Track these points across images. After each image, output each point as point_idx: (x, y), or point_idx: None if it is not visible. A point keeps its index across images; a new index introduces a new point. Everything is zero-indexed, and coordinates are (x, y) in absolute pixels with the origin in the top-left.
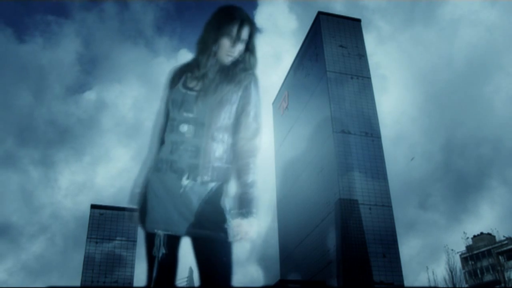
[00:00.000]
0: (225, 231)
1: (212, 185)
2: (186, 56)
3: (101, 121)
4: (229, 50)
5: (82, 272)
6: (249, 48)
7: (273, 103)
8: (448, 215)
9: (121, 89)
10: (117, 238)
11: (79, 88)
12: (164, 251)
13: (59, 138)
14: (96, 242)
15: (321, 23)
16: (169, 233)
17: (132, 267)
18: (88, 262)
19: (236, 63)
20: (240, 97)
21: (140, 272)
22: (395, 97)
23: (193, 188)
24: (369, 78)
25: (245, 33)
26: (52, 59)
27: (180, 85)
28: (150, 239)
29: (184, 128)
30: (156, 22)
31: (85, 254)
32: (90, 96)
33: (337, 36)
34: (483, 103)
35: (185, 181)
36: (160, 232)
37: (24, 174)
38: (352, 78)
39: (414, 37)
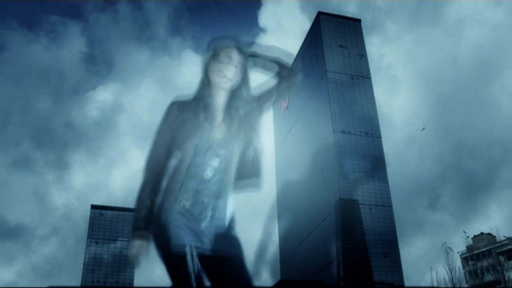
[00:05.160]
0: (240, 248)
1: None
2: (189, 55)
3: (117, 124)
4: (218, 71)
5: (83, 272)
6: (243, 78)
7: (273, 103)
8: (458, 216)
9: (138, 91)
10: (118, 238)
11: (95, 90)
12: (199, 266)
13: (75, 140)
14: (97, 243)
15: (321, 23)
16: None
17: (133, 267)
18: (89, 262)
19: (234, 96)
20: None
21: (141, 273)
22: (406, 98)
23: (213, 223)
24: (369, 78)
25: (231, 54)
26: (69, 62)
27: (200, 131)
28: (178, 261)
29: (208, 175)
30: (170, 24)
31: (85, 255)
32: (106, 98)
33: (337, 36)
34: (490, 103)
35: (207, 222)
36: (192, 248)
37: (38, 176)
38: (352, 78)
39: (420, 37)
